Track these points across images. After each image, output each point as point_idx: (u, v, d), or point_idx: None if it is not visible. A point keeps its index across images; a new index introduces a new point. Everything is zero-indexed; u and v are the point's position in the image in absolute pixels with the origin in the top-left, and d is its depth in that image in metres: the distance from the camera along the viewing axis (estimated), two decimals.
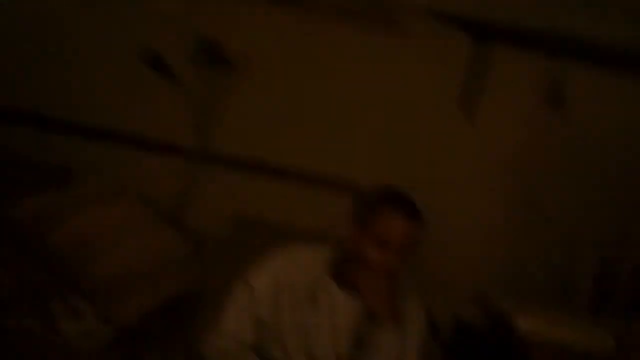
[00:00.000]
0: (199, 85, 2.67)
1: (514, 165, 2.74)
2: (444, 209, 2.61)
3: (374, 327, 1.63)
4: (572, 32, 2.55)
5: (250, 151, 2.76)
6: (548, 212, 2.75)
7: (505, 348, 2.17)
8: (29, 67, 2.74)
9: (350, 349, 1.67)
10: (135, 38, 2.64)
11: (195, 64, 2.64)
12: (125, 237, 2.07)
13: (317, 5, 2.69)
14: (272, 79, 2.76)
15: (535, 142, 2.74)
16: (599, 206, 2.73)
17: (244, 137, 2.77)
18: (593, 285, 2.63)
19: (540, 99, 2.70)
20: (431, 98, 2.75)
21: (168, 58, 2.60)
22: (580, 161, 2.73)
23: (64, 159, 2.64)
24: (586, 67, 2.64)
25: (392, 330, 1.63)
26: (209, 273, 2.20)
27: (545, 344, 2.03)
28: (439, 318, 2.55)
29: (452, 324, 2.66)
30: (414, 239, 1.64)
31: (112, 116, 2.76)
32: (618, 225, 2.72)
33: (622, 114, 2.70)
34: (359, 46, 2.73)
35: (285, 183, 2.76)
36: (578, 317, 2.43)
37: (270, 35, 2.72)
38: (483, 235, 2.77)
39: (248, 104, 2.76)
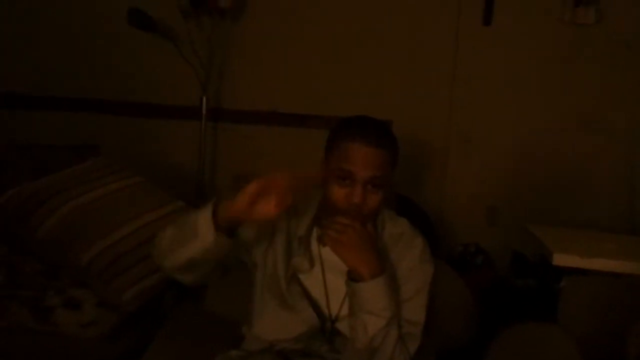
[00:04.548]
0: (198, 42, 2.57)
1: (544, 71, 2.55)
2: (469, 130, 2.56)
3: (358, 283, 1.43)
4: None
5: (260, 103, 2.70)
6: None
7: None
8: (30, 53, 2.74)
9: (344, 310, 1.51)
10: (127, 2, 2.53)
11: (189, 17, 2.49)
12: (121, 216, 1.94)
13: None
14: (274, 24, 2.65)
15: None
16: None
17: (251, 90, 2.70)
18: None
19: None
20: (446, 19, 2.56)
21: (158, 16, 2.50)
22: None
23: (87, 138, 2.61)
24: None
25: (380, 283, 1.43)
26: None
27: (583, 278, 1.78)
28: (491, 249, 2.43)
29: (508, 255, 2.53)
30: (377, 170, 1.42)
31: (120, 88, 2.76)
32: None
33: None
34: None
35: (301, 132, 2.67)
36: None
37: None
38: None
39: (251, 54, 2.67)
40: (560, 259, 1.87)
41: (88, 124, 2.75)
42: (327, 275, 1.53)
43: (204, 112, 2.61)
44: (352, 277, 1.45)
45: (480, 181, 2.65)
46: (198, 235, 1.32)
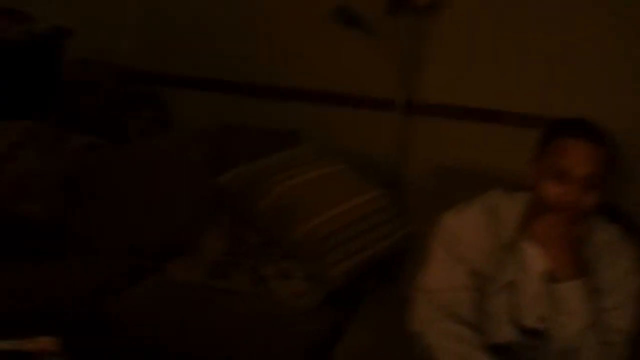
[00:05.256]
0: (396, 36, 2.62)
1: None
2: None
3: (559, 283, 1.45)
4: None
5: (454, 97, 2.67)
6: None
7: None
8: (237, 42, 2.94)
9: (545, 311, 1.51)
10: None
11: (389, 14, 2.57)
12: (331, 198, 2.11)
13: None
14: (470, 18, 2.60)
15: None
16: None
17: (446, 84, 2.68)
18: None
19: None
20: None
21: (360, 12, 2.59)
22: None
23: (289, 124, 2.82)
24: None
25: (579, 286, 1.43)
26: (416, 227, 2.16)
27: None
28: None
29: None
30: (595, 168, 1.41)
31: (320, 78, 2.86)
32: None
33: None
34: None
35: (495, 128, 2.61)
36: None
37: None
38: None
39: (448, 48, 2.65)
40: None
41: (289, 111, 2.90)
42: (531, 277, 1.55)
43: (400, 104, 2.68)
44: (553, 278, 1.47)
45: None
46: None
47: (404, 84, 2.67)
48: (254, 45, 2.93)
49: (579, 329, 1.44)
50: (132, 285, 2.02)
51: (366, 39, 2.65)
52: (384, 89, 2.73)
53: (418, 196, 2.45)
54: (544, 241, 1.49)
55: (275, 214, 2.05)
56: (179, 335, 1.87)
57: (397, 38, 2.62)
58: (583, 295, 1.45)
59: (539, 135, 1.55)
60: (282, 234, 2.03)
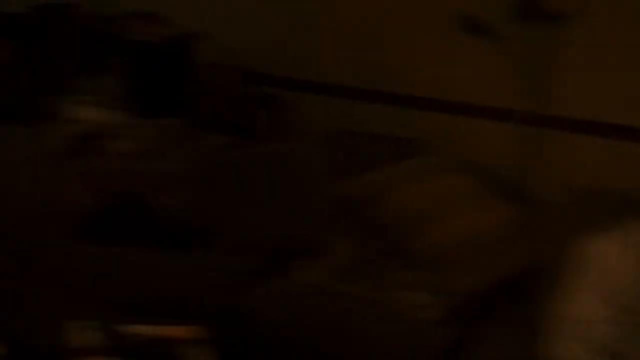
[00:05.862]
0: (523, 44, 2.56)
1: None
2: None
3: None
4: None
5: (589, 110, 2.56)
6: None
7: None
8: (358, 48, 2.97)
9: None
10: (447, 5, 2.65)
11: (516, 22, 2.51)
12: (457, 212, 2.09)
13: None
14: (604, 26, 2.49)
15: None
16: None
17: (579, 96, 2.57)
18: None
19: None
20: None
21: (486, 20, 2.55)
22: None
23: (408, 132, 2.82)
24: None
25: None
26: (546, 247, 2.09)
27: None
28: None
29: None
30: None
31: (442, 87, 2.84)
32: None
33: None
34: None
35: (629, 145, 2.49)
36: None
37: None
38: None
39: (580, 58, 2.55)
40: None
41: (409, 118, 2.88)
42: None
43: (522, 116, 2.59)
44: None
45: None
46: None
47: (529, 94, 2.60)
48: (375, 52, 2.95)
49: None
50: (257, 283, 2.10)
51: (490, 47, 2.59)
52: (506, 99, 2.66)
53: (546, 215, 2.36)
54: None
55: (400, 223, 2.06)
56: (302, 335, 1.93)
57: (524, 46, 2.56)
58: None
59: None
60: (407, 244, 2.04)
